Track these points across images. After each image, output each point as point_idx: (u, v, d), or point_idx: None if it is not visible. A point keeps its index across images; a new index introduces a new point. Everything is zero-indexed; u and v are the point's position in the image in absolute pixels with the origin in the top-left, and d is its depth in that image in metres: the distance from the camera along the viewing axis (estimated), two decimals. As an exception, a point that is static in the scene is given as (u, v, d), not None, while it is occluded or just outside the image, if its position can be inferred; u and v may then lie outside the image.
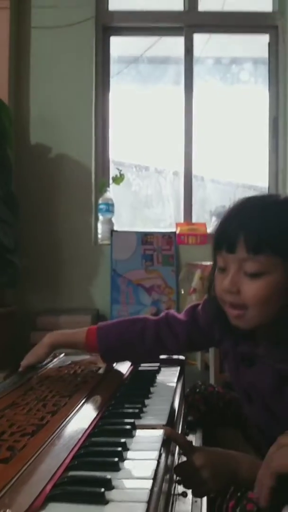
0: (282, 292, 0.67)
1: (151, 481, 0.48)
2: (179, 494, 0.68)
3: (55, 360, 1.04)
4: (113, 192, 2.61)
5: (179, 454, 0.72)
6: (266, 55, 2.81)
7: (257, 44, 2.87)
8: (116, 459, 0.52)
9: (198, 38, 2.82)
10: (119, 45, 2.82)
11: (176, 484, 0.69)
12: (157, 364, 0.98)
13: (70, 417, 0.66)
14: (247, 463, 0.67)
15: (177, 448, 0.73)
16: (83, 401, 0.73)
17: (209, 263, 0.80)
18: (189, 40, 2.79)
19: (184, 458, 0.68)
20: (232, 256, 0.69)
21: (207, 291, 0.82)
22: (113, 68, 2.80)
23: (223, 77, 2.97)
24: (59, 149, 2.51)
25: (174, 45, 2.82)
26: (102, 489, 0.45)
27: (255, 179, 2.88)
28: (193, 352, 2.24)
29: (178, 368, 0.98)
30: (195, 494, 0.67)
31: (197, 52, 2.82)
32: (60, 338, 0.97)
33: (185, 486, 0.67)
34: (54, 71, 2.55)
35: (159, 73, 2.96)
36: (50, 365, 1.00)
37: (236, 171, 2.93)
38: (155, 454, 0.55)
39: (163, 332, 0.92)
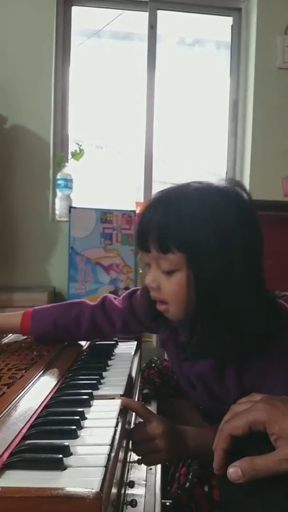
0: (194, 288, 0.68)
1: (108, 447, 0.49)
2: (134, 462, 0.69)
3: (10, 335, 1.02)
4: (72, 168, 2.55)
5: (135, 424, 0.73)
6: (229, 38, 2.82)
7: (220, 26, 2.87)
8: (74, 427, 0.52)
9: (162, 16, 2.78)
10: (79, 16, 2.73)
11: (132, 452, 0.70)
12: (115, 339, 0.99)
13: (27, 389, 0.65)
14: (196, 438, 0.70)
15: (133, 418, 0.74)
16: (40, 373, 0.72)
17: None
18: (153, 16, 2.74)
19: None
20: (148, 255, 0.71)
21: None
22: (74, 40, 2.71)
23: (186, 57, 2.95)
24: (15, 120, 2.41)
25: (138, 20, 2.76)
26: (60, 455, 0.45)
27: (215, 162, 2.91)
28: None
29: (135, 342, 0.99)
30: (144, 461, 0.68)
31: (160, 30, 2.78)
32: None
33: (136, 452, 0.68)
34: (12, 39, 2.42)
35: (121, 48, 2.89)
36: (5, 340, 0.98)
37: (196, 153, 2.95)
38: (112, 422, 0.56)
39: (98, 319, 0.91)
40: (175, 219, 0.67)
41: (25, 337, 1.00)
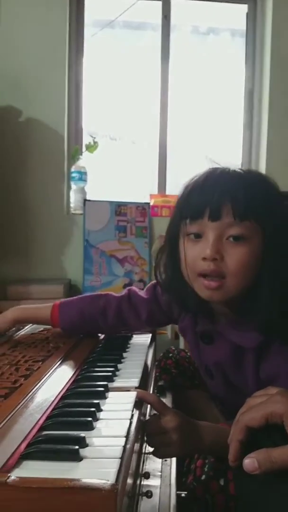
0: (257, 262, 0.68)
1: (124, 439, 0.49)
2: (149, 453, 0.70)
3: (26, 327, 1.03)
4: (86, 160, 2.55)
5: (150, 416, 0.74)
6: (244, 26, 2.77)
7: (235, 14, 2.82)
8: (90, 418, 0.52)
9: (176, 5, 2.74)
10: (92, 7, 2.71)
11: (147, 444, 0.71)
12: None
13: (44, 381, 0.66)
14: (211, 433, 0.69)
15: (148, 410, 0.75)
16: (56, 365, 0.73)
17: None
18: (166, 5, 2.71)
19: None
20: (215, 223, 0.68)
21: (155, 269, 0.82)
22: (87, 31, 2.70)
23: (200, 46, 2.91)
24: (29, 114, 2.42)
25: (151, 10, 2.73)
26: (76, 447, 0.46)
27: (229, 153, 2.87)
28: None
29: (150, 335, 0.99)
30: (156, 454, 0.68)
31: (174, 19, 2.74)
32: (25, 313, 0.97)
33: (149, 444, 0.68)
34: (25, 31, 2.42)
35: (135, 38, 2.86)
36: (22, 332, 0.99)
37: (210, 145, 2.92)
38: (128, 414, 0.56)
39: (124, 310, 0.92)
40: (259, 191, 0.70)
41: (42, 329, 1.01)
